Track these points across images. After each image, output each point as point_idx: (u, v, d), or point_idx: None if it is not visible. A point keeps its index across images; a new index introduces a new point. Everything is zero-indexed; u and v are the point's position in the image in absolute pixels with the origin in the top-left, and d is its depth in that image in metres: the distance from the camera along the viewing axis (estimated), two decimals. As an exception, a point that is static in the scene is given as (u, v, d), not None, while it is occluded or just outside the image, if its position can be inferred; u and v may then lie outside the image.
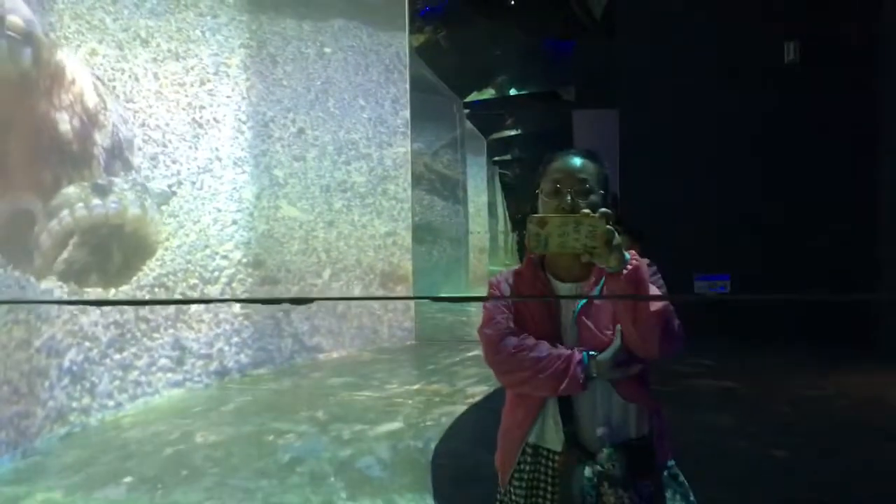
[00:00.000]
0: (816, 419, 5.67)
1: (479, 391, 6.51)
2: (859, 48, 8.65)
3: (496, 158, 23.43)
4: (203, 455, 4.76)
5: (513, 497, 1.84)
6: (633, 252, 1.69)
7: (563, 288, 1.87)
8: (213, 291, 6.97)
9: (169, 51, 6.66)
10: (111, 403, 5.81)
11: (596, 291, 1.81)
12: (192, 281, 6.75)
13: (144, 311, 6.16)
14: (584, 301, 1.81)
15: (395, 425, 5.52)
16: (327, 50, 8.60)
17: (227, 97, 7.35)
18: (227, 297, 6.92)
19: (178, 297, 6.60)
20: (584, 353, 1.75)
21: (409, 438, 5.20)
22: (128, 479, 4.33)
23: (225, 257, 7.17)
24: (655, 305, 1.69)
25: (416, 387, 6.87)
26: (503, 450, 1.89)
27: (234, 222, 7.36)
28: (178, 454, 4.81)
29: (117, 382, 5.89)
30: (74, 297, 5.38)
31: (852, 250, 8.39)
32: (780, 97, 8.85)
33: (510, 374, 1.81)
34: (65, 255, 5.36)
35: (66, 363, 5.30)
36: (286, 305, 6.94)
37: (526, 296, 1.86)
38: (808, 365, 7.50)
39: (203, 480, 4.30)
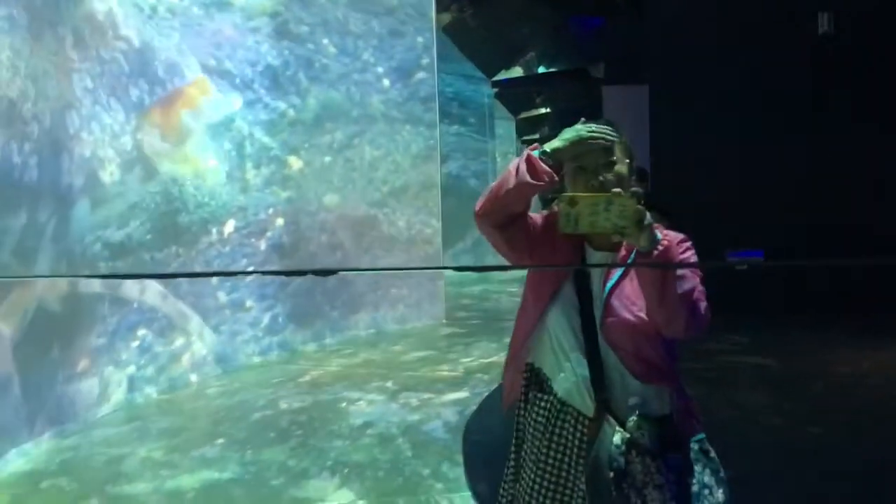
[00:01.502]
0: (851, 397, 5.60)
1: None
2: (893, 16, 8.44)
3: (525, 138, 23.28)
4: (288, 419, 5.12)
5: (535, 449, 1.85)
6: (667, 232, 1.68)
7: (595, 256, 1.87)
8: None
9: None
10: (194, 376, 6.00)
11: (628, 263, 1.80)
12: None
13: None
14: (618, 274, 1.80)
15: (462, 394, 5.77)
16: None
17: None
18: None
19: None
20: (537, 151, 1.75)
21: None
22: (220, 441, 4.71)
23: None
24: (682, 287, 1.68)
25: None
26: (510, 375, 1.95)
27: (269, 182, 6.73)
28: (264, 419, 5.18)
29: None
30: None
31: (891, 228, 8.24)
32: (813, 70, 8.67)
33: (486, 204, 1.79)
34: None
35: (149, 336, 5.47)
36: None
37: (553, 265, 1.86)
38: (843, 341, 7.39)
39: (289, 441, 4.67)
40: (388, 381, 6.10)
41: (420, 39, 7.06)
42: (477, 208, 1.83)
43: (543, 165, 1.73)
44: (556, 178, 1.76)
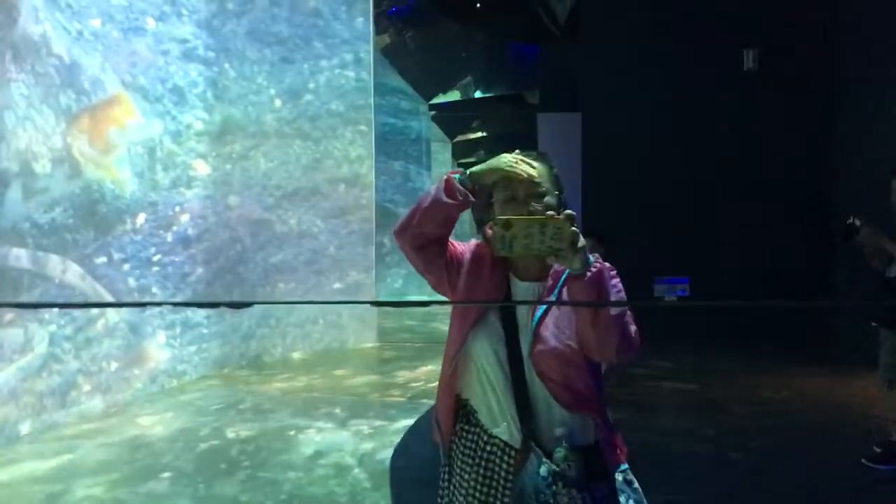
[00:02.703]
0: (773, 422, 5.75)
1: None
2: (816, 54, 8.85)
3: (461, 161, 23.46)
4: (236, 449, 4.92)
5: (464, 482, 1.84)
6: (598, 255, 1.70)
7: (521, 287, 1.86)
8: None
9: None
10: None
11: (555, 293, 1.80)
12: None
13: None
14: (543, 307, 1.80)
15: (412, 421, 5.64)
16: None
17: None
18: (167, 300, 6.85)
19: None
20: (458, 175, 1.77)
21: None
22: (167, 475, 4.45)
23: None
24: (614, 309, 1.69)
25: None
26: (442, 406, 1.91)
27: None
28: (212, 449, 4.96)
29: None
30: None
31: (809, 252, 8.59)
32: (740, 102, 9.00)
33: (405, 221, 1.80)
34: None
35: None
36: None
37: (484, 300, 1.84)
38: (767, 368, 7.61)
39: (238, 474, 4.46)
40: (336, 408, 5.92)
41: (306, 66, 7.91)
42: (396, 226, 1.84)
43: (461, 186, 1.75)
44: (473, 199, 1.77)
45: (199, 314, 7.23)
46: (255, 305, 8.16)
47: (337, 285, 8.53)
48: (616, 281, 1.80)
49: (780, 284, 8.45)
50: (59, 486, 4.26)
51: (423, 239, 1.81)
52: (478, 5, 13.94)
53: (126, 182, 6.22)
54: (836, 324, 8.32)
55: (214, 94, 7.20)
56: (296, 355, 8.30)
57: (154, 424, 5.56)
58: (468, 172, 1.79)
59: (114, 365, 6.21)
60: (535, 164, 1.82)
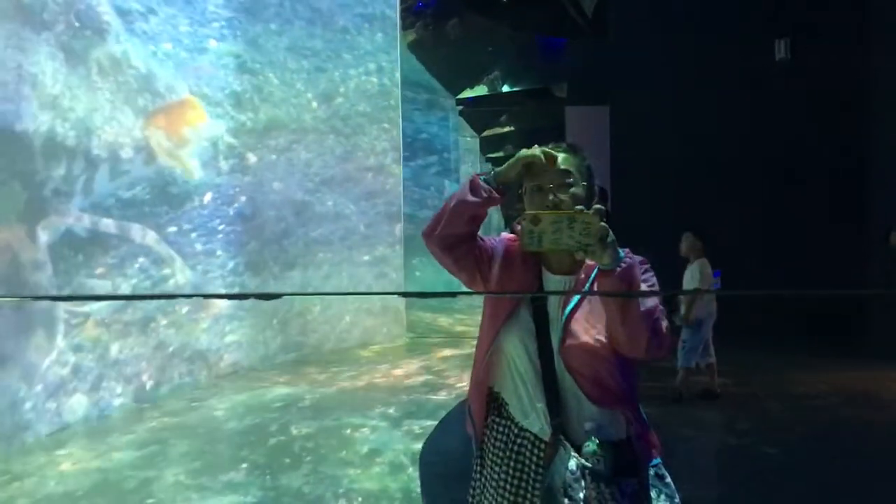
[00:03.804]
0: (808, 416, 5.68)
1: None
2: (848, 43, 8.66)
3: (489, 155, 23.42)
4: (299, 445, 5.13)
5: (495, 474, 1.84)
6: (628, 250, 1.68)
7: (552, 280, 1.85)
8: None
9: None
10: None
11: (586, 287, 1.79)
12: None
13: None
14: (576, 298, 1.79)
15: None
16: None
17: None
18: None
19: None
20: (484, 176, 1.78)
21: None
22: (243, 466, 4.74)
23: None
24: (645, 305, 1.68)
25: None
26: (474, 399, 1.91)
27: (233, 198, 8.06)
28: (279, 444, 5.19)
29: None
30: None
31: (842, 245, 8.42)
32: (772, 93, 8.86)
33: (433, 223, 1.81)
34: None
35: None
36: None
37: (513, 291, 1.84)
38: (802, 362, 7.51)
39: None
40: (390, 408, 6.07)
41: (337, 73, 9.21)
42: (424, 229, 1.84)
43: (486, 185, 1.75)
44: (498, 198, 1.77)
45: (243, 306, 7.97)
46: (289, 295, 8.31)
47: (366, 258, 9.47)
48: (649, 275, 1.79)
49: (816, 281, 8.30)
50: (152, 472, 4.61)
51: (451, 239, 1.81)
52: (504, -1, 13.90)
53: (195, 169, 7.49)
54: (871, 318, 8.16)
55: (261, 98, 8.46)
56: (332, 348, 8.75)
57: (229, 419, 5.87)
58: (493, 172, 1.79)
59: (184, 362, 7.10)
60: (561, 153, 1.80)
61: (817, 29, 8.78)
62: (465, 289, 1.90)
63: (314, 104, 9.04)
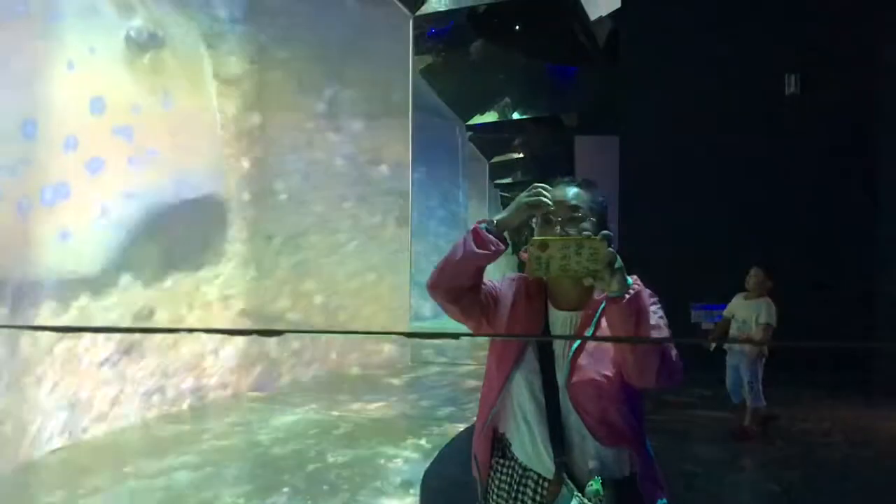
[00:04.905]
0: (813, 454, 5.61)
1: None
2: (858, 78, 8.68)
3: (498, 181, 23.48)
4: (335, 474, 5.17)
5: None
6: (636, 278, 1.65)
7: (559, 316, 1.83)
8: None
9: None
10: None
11: (593, 322, 1.77)
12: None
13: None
14: (588, 333, 1.76)
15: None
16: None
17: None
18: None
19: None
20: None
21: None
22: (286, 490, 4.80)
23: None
24: (656, 334, 1.66)
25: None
26: (478, 440, 1.88)
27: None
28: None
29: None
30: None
31: (850, 280, 8.37)
32: (782, 127, 8.87)
33: (437, 276, 1.79)
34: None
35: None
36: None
37: (519, 335, 1.82)
38: (807, 398, 7.44)
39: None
40: (421, 439, 6.07)
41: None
42: (428, 282, 1.81)
43: (490, 236, 1.71)
44: (503, 248, 1.73)
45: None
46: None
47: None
48: (657, 307, 1.76)
49: (821, 316, 8.24)
50: (209, 493, 4.72)
51: (457, 290, 1.79)
52: (516, 27, 14.00)
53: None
54: (879, 356, 8.08)
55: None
56: (361, 373, 8.79)
57: (272, 444, 5.91)
58: (495, 221, 1.76)
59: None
60: (573, 188, 1.79)
61: (827, 63, 8.81)
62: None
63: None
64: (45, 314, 5.29)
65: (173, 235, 6.75)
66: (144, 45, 6.32)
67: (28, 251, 5.14)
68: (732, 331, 5.79)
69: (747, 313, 5.77)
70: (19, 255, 5.07)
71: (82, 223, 5.73)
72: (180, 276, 6.89)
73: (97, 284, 5.90)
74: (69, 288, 5.60)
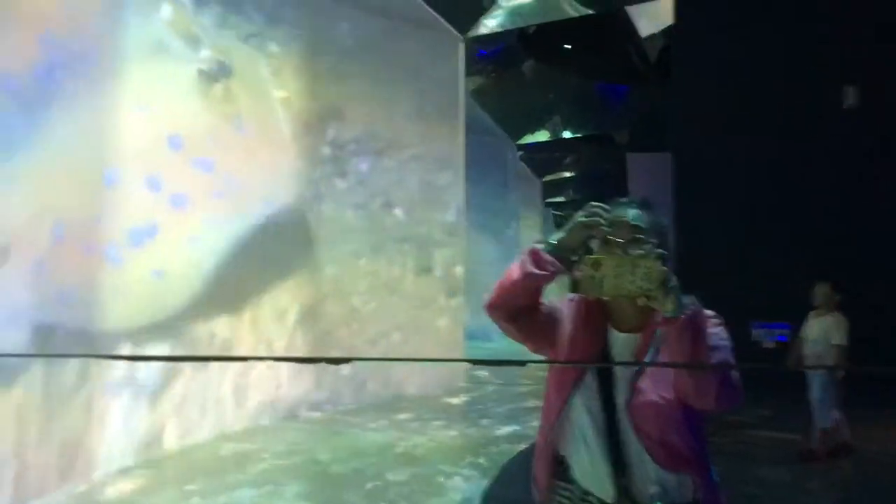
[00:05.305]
0: (882, 476, 5.43)
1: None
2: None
3: (549, 200, 23.41)
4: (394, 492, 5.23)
5: None
6: (694, 298, 1.62)
7: (619, 338, 1.81)
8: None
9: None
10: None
11: (652, 350, 1.74)
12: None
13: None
14: (650, 355, 1.73)
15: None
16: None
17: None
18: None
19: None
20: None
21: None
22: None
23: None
24: (715, 357, 1.63)
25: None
26: (539, 462, 1.87)
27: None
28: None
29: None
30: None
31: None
32: (840, 140, 8.68)
33: (495, 296, 1.79)
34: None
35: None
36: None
37: (576, 361, 1.82)
38: (875, 418, 7.20)
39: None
40: (480, 458, 6.08)
41: None
42: (487, 302, 1.82)
43: (547, 256, 1.72)
44: (562, 268, 1.73)
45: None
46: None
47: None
48: (719, 329, 1.73)
49: (884, 333, 7.99)
50: None
51: (514, 310, 1.80)
52: (567, 46, 14.03)
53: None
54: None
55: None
56: (417, 393, 8.72)
57: (332, 462, 5.99)
58: (552, 242, 1.74)
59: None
60: (633, 209, 1.77)
61: (886, 75, 8.60)
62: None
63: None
64: (134, 348, 5.53)
65: (260, 261, 6.95)
66: (214, 75, 6.48)
67: (120, 294, 5.32)
68: (805, 350, 5.65)
69: (818, 332, 5.63)
70: (112, 299, 5.25)
71: (173, 259, 5.91)
72: (263, 301, 7.09)
73: (186, 317, 6.11)
74: (162, 322, 5.82)
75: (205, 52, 6.42)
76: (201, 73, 6.34)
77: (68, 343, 4.74)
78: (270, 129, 7.31)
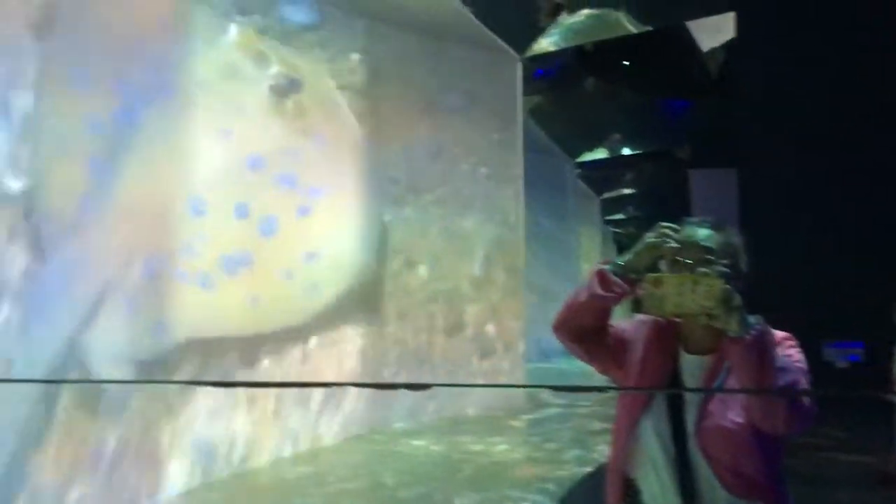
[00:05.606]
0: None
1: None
2: None
3: (609, 217, 23.20)
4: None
5: None
6: (760, 317, 1.58)
7: (689, 360, 1.77)
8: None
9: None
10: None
11: (724, 367, 1.70)
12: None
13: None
14: (721, 378, 1.70)
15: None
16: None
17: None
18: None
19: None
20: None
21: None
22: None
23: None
24: (784, 379, 1.59)
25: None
26: (610, 486, 1.84)
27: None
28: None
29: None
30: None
31: None
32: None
33: (561, 317, 1.80)
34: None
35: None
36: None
37: (646, 387, 1.80)
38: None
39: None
40: (549, 483, 5.95)
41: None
42: (553, 322, 1.83)
43: (614, 278, 1.70)
44: (629, 290, 1.70)
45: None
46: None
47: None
48: (793, 351, 1.69)
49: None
50: None
51: (581, 331, 1.80)
52: (625, 63, 13.94)
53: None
54: None
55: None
56: (478, 414, 8.69)
57: (398, 486, 5.96)
58: (620, 263, 1.73)
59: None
60: (704, 230, 1.74)
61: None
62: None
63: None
64: (221, 373, 5.69)
65: (350, 279, 7.14)
66: (285, 90, 6.58)
67: (216, 322, 5.50)
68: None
69: None
70: (207, 327, 5.43)
71: (268, 284, 6.06)
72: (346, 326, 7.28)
73: (279, 341, 6.30)
74: (256, 348, 6.02)
75: (273, 69, 6.50)
76: (272, 89, 6.44)
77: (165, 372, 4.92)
78: (345, 138, 7.42)
